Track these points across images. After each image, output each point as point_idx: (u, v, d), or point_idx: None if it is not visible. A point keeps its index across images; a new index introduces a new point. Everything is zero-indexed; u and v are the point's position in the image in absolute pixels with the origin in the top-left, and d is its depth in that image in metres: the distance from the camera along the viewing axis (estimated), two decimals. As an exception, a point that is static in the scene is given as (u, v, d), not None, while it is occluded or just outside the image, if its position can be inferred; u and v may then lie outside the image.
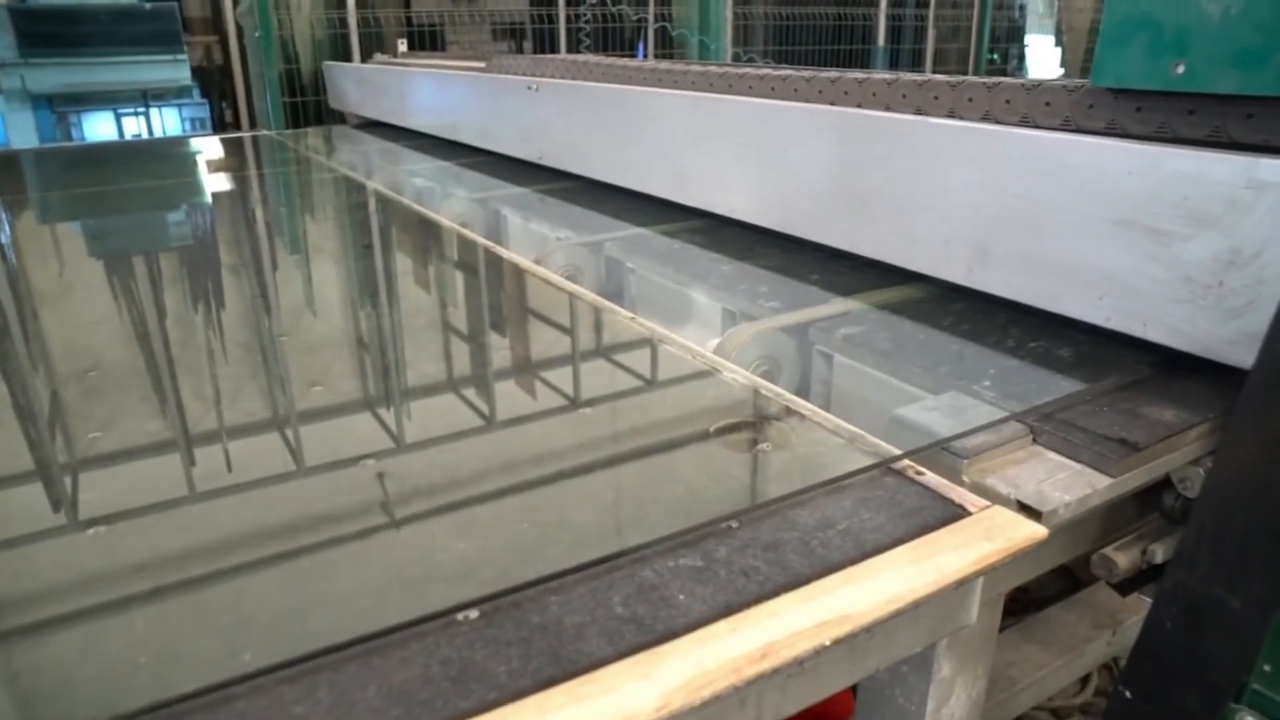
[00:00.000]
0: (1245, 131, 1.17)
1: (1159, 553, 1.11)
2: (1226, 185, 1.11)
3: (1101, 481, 1.04)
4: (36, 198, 3.19)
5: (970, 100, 1.56)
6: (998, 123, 1.49)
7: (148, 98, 4.90)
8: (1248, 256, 1.10)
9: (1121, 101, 1.31)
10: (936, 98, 1.62)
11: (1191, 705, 0.96)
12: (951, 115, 1.58)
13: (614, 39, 6.46)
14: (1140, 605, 1.48)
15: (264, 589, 0.83)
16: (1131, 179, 1.21)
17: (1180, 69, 1.17)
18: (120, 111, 4.86)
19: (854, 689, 1.14)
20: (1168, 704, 0.98)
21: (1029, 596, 1.85)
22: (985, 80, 1.57)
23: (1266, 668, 0.93)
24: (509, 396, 1.37)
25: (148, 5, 4.86)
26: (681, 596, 0.78)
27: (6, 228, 2.59)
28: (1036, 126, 1.43)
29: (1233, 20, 1.11)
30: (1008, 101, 1.50)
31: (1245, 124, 1.17)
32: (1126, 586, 1.15)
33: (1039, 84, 1.47)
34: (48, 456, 1.17)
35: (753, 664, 0.70)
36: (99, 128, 4.82)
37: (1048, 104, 1.43)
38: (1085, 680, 1.89)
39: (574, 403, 1.31)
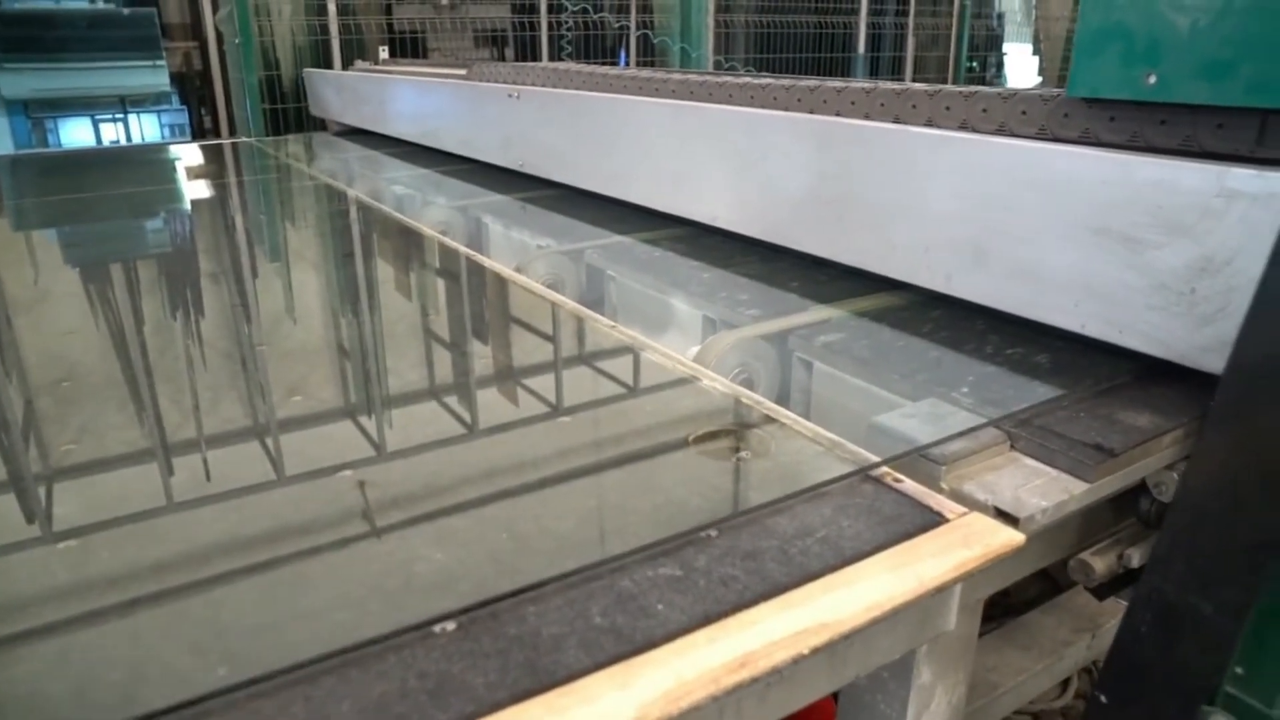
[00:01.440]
0: (1215, 141, 1.19)
1: (1135, 557, 1.11)
2: (1198, 194, 1.12)
3: (1078, 487, 1.05)
4: (11, 205, 3.16)
5: (948, 109, 1.57)
6: (975, 131, 1.50)
7: (126, 104, 4.86)
8: (1219, 264, 1.11)
9: (1095, 111, 1.32)
10: (914, 106, 1.64)
11: (1167, 709, 0.97)
12: (929, 124, 1.59)
13: (596, 46, 6.47)
14: (1119, 609, 1.49)
15: (240, 601, 0.82)
16: (1106, 187, 1.22)
17: (1152, 79, 1.19)
18: (98, 118, 4.81)
19: (835, 695, 1.15)
20: (1143, 708, 0.99)
21: (1009, 601, 1.86)
22: (962, 89, 1.58)
23: (1239, 670, 0.94)
24: (488, 405, 1.36)
25: (126, 10, 4.82)
26: (660, 606, 0.78)
27: (-19, 236, 2.56)
28: (1013, 135, 1.45)
29: (1202, 32, 1.13)
30: (985, 110, 1.51)
31: (1215, 134, 1.19)
32: (1104, 591, 1.16)
33: (1015, 93, 1.49)
34: (20, 468, 1.15)
35: (731, 674, 0.70)
36: (76, 134, 4.77)
37: (1024, 113, 1.45)
38: (1066, 684, 1.90)
39: (553, 411, 1.30)
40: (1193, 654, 0.93)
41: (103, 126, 4.85)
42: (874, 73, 8.06)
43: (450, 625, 0.76)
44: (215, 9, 5.01)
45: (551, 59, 6.24)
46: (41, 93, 4.60)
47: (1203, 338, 1.15)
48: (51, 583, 0.87)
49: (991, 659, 1.44)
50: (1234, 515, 0.91)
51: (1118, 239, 1.21)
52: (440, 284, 2.10)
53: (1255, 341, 0.95)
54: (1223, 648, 0.91)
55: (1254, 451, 0.93)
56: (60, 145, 4.72)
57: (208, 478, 1.09)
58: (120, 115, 4.87)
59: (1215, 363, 1.12)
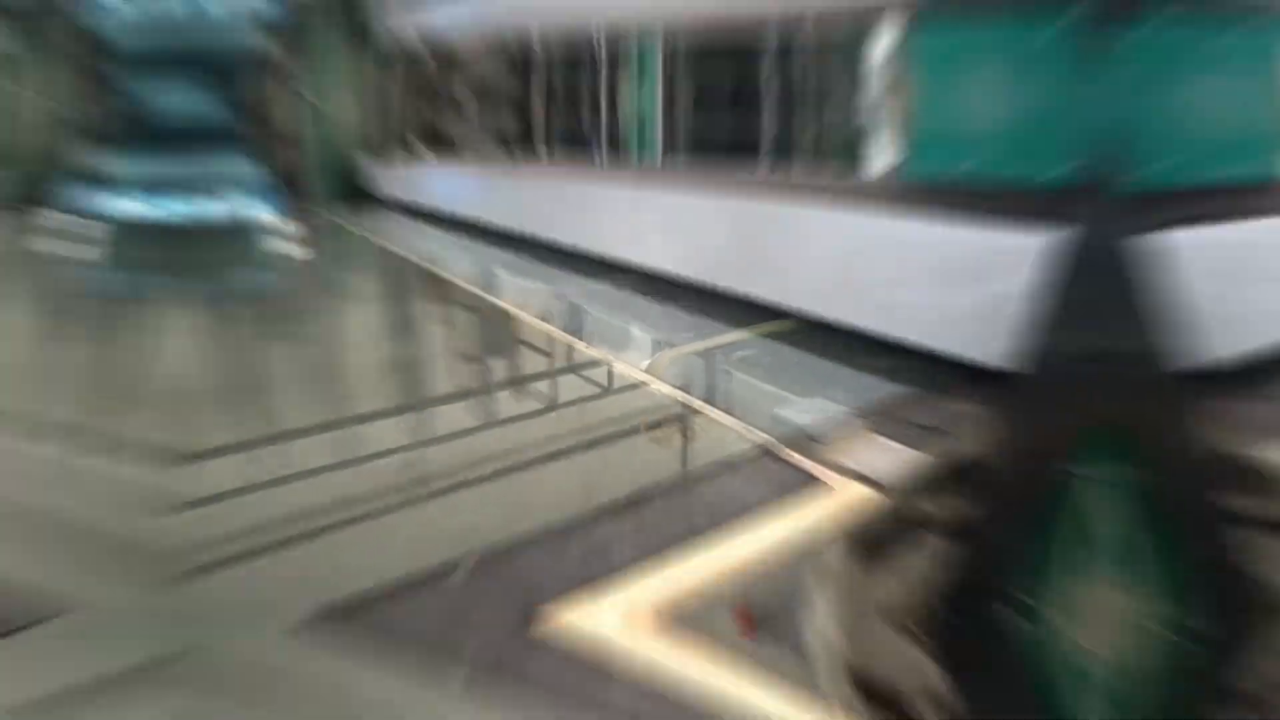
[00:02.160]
0: (1012, 209, 1.44)
1: (964, 511, 1.30)
2: (998, 250, 1.35)
3: (923, 459, 1.24)
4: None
5: (824, 190, 1.87)
6: (845, 208, 1.78)
7: (223, 188, 5.04)
8: (1016, 298, 1.33)
9: (927, 189, 1.57)
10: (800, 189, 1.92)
11: (975, 609, 1.26)
12: (810, 203, 1.89)
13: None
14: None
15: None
16: (939, 245, 1.44)
17: (966, 166, 1.46)
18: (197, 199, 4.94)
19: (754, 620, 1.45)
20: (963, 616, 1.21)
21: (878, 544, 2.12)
22: (835, 178, 1.87)
23: (1023, 579, 1.19)
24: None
25: (223, 111, 5.17)
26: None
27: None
28: (874, 209, 1.74)
29: (998, 135, 1.38)
30: (852, 190, 1.80)
31: (1011, 203, 1.44)
32: (949, 535, 1.42)
33: (873, 177, 1.77)
34: None
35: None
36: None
37: (880, 191, 1.72)
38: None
39: (545, 410, 1.55)
40: (990, 568, 1.19)
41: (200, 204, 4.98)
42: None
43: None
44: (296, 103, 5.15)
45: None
46: (151, 176, 4.79)
47: (1007, 348, 1.36)
48: None
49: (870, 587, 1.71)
50: (1020, 471, 1.15)
51: (949, 280, 1.43)
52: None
53: (1033, 352, 1.22)
54: (1011, 563, 1.14)
55: (1032, 424, 1.19)
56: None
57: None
58: (219, 197, 5.01)
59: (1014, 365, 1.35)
